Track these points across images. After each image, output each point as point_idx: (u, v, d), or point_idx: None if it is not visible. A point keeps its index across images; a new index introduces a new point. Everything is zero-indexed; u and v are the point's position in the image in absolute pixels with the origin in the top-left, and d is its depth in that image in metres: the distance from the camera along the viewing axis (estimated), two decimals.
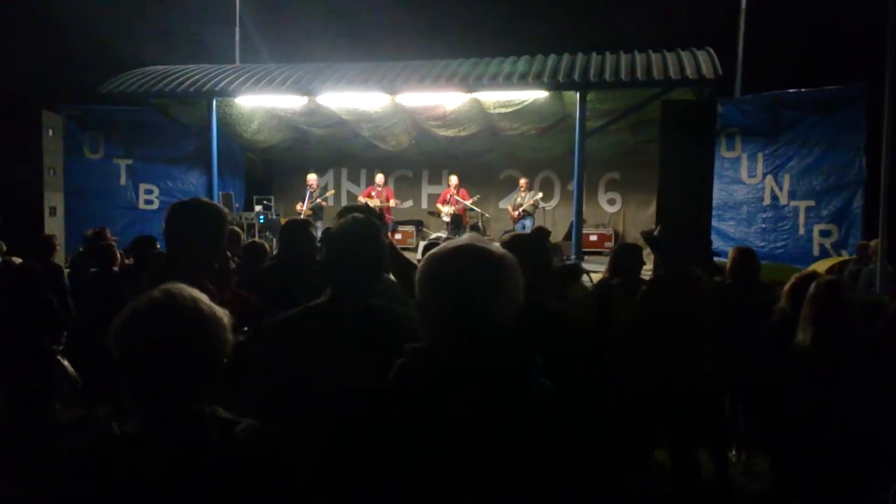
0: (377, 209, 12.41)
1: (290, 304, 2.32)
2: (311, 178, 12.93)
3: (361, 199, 12.80)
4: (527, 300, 1.41)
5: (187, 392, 1.49)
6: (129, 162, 13.39)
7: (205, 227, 2.61)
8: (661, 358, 3.92)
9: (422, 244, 10.23)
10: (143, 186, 13.44)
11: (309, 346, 2.14)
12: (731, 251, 5.52)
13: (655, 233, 4.64)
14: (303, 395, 2.12)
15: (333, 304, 2.22)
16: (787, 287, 3.90)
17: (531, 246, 2.48)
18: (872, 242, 8.19)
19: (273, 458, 1.52)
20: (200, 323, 1.50)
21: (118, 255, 6.22)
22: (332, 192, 13.45)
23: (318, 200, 12.49)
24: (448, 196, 12.66)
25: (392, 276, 3.25)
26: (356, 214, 2.43)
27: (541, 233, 7.62)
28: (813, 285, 3.61)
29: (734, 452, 5.25)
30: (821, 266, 10.10)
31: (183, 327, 1.47)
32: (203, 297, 1.55)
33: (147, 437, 1.45)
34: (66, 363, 5.02)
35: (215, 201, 2.91)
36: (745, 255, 5.24)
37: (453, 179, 12.80)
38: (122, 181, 13.38)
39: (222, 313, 1.56)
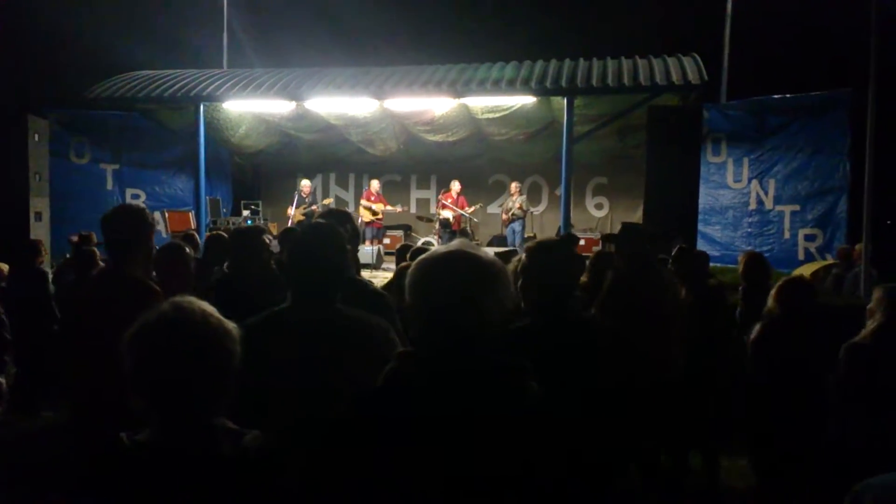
0: (376, 215, 12.63)
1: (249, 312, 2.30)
2: (305, 183, 13.01)
3: (364, 203, 12.87)
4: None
5: (197, 404, 1.50)
6: (116, 167, 13.31)
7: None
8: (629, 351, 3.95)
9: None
10: (129, 191, 13.36)
11: (273, 351, 2.13)
12: (741, 256, 5.60)
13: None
14: (268, 400, 2.12)
15: (295, 309, 2.21)
16: (774, 290, 3.93)
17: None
18: (857, 246, 8.27)
19: (279, 468, 1.53)
20: (210, 335, 1.51)
21: (98, 260, 6.17)
22: (331, 200, 13.46)
23: (313, 207, 12.52)
24: (447, 201, 12.74)
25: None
26: (318, 219, 2.44)
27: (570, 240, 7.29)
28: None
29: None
30: (805, 270, 10.18)
31: (193, 340, 1.48)
32: (213, 311, 1.56)
33: (158, 447, 1.46)
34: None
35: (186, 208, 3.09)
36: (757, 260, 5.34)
37: (455, 185, 12.90)
38: (109, 186, 13.30)
39: (231, 326, 1.57)
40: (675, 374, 4.07)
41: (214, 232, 7.19)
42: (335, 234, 2.35)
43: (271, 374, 2.12)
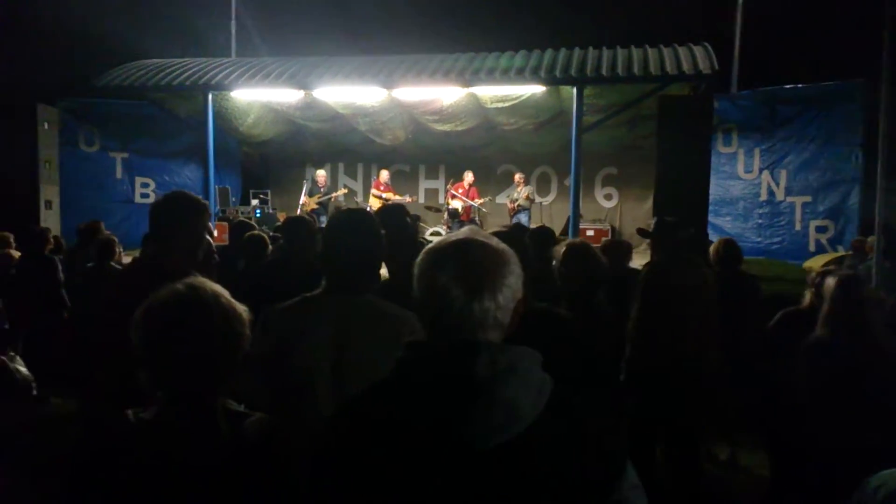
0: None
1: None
2: (321, 173, 13.09)
3: (374, 193, 12.90)
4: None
5: (202, 383, 1.51)
6: (125, 155, 13.35)
7: (188, 219, 2.72)
8: (662, 343, 3.96)
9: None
10: (139, 180, 13.41)
11: (301, 336, 2.15)
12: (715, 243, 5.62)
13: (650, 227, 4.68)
14: (297, 384, 2.13)
15: (328, 295, 2.22)
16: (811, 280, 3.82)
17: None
18: (869, 238, 8.21)
19: (280, 452, 1.54)
20: (219, 316, 1.52)
21: (116, 248, 6.20)
22: (345, 190, 13.47)
23: (331, 196, 12.55)
24: (458, 191, 12.73)
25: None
26: (351, 207, 2.45)
27: (519, 230, 7.37)
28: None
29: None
30: (817, 262, 10.12)
31: (202, 318, 1.50)
32: (224, 293, 1.57)
33: (162, 425, 1.48)
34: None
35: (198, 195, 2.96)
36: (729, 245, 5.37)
37: (469, 176, 12.89)
38: (119, 175, 13.35)
39: (242, 309, 1.58)
40: (708, 366, 4.05)
41: (239, 220, 7.22)
42: (370, 222, 2.34)
43: (293, 357, 2.12)
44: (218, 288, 1.57)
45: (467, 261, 1.35)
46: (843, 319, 3.26)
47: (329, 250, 2.27)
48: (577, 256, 3.51)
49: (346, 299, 2.20)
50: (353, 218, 2.41)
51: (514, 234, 2.81)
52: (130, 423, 1.47)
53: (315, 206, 12.31)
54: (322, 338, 2.12)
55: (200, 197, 2.89)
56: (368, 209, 12.99)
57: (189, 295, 1.52)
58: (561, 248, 3.68)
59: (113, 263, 5.99)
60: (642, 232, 4.88)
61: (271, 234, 6.44)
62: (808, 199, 11.14)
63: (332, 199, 12.76)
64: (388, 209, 3.18)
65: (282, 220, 11.74)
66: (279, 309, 2.23)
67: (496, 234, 2.56)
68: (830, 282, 3.39)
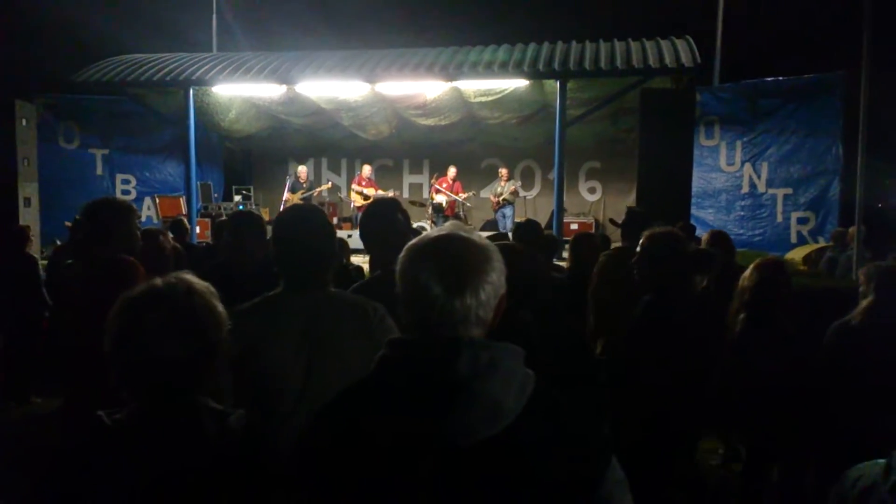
0: (367, 200, 12.58)
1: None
2: (301, 169, 13.07)
3: (355, 188, 12.85)
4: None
5: (181, 382, 1.48)
6: (106, 152, 13.22)
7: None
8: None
9: None
10: (119, 176, 13.29)
11: (265, 336, 2.13)
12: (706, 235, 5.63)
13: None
14: (261, 385, 2.11)
15: (288, 293, 2.20)
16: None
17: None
18: (850, 229, 8.29)
19: (264, 448, 1.52)
20: (196, 314, 1.49)
21: None
22: (329, 185, 13.41)
23: (313, 192, 12.49)
24: (442, 185, 12.71)
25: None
26: (298, 202, 2.43)
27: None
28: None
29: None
30: (798, 253, 10.22)
31: (173, 316, 1.47)
32: (202, 289, 1.54)
33: (138, 427, 1.44)
34: None
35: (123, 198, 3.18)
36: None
37: (451, 171, 12.87)
38: (99, 171, 13.22)
39: (219, 307, 1.55)
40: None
41: (223, 218, 7.17)
42: (321, 216, 2.32)
43: (263, 358, 2.10)
44: (195, 284, 1.54)
45: (448, 257, 1.34)
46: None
47: (282, 249, 2.24)
48: None
49: (309, 296, 2.18)
50: (301, 214, 2.37)
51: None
52: (105, 427, 1.44)
53: (298, 202, 12.25)
54: (291, 337, 2.11)
55: (125, 199, 3.20)
56: (352, 205, 13.00)
57: (160, 291, 1.49)
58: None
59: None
60: (613, 222, 4.91)
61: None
62: (790, 191, 11.23)
63: (316, 194, 12.71)
64: (379, 203, 3.12)
65: (266, 216, 11.72)
66: (241, 311, 2.20)
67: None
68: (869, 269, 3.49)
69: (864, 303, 3.42)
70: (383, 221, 2.81)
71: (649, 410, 3.17)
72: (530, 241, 4.40)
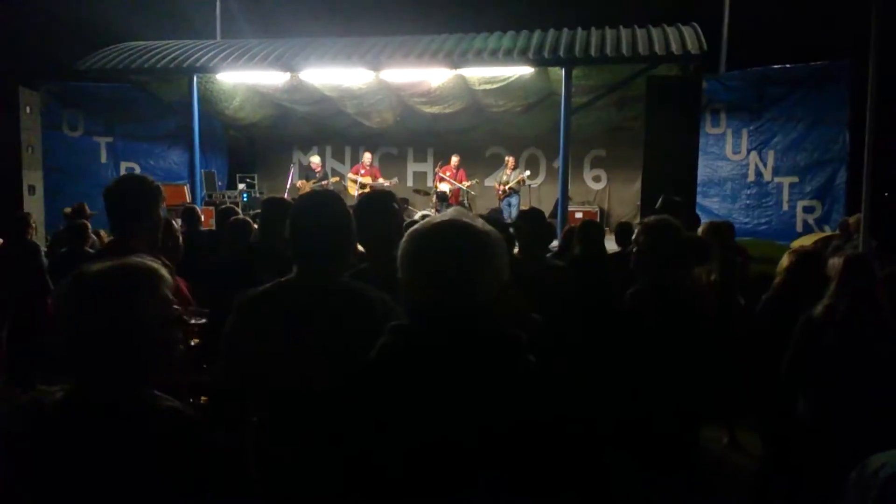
0: (364, 188, 12.55)
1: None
2: (315, 160, 13.04)
3: (350, 177, 12.81)
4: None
5: (112, 365, 1.46)
6: (110, 139, 13.20)
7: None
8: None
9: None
10: (124, 164, 13.26)
11: (273, 321, 2.12)
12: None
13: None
14: (271, 371, 2.11)
15: (300, 279, 2.19)
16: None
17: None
18: (852, 218, 8.24)
19: (195, 438, 1.49)
20: (138, 301, 1.47)
21: (90, 233, 6.12)
22: (336, 179, 13.37)
23: (323, 182, 12.48)
24: (446, 174, 12.67)
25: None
26: (315, 188, 2.40)
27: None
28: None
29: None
30: (804, 242, 10.17)
31: (112, 298, 1.45)
32: (158, 276, 1.52)
33: (74, 406, 1.44)
34: None
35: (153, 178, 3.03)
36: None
37: (454, 159, 12.82)
38: (103, 159, 13.20)
39: (169, 305, 1.53)
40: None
41: (225, 206, 7.18)
42: (340, 205, 2.30)
43: (270, 343, 2.10)
44: (156, 270, 1.53)
45: (450, 244, 1.33)
46: (849, 297, 3.26)
47: (298, 235, 2.21)
48: None
49: (320, 285, 2.16)
50: (319, 200, 2.34)
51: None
52: (43, 406, 1.44)
53: (317, 189, 12.24)
54: (298, 325, 2.09)
55: (154, 180, 2.96)
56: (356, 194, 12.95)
57: (115, 271, 1.48)
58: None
59: (88, 248, 5.91)
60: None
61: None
62: (796, 179, 11.16)
63: (325, 185, 12.67)
64: (372, 196, 3.11)
65: None
66: (253, 294, 2.19)
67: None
68: (836, 261, 3.42)
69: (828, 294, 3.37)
70: (377, 216, 2.79)
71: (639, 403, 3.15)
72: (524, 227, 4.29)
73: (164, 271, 1.55)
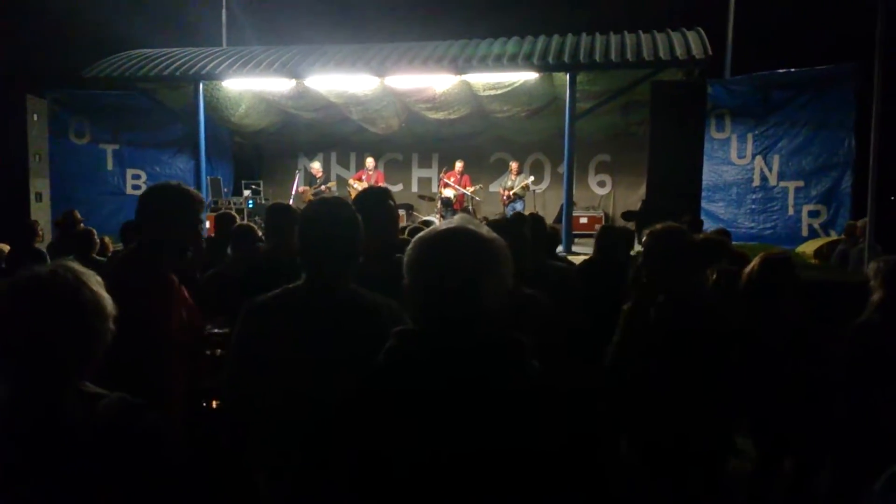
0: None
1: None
2: (316, 166, 13.06)
3: (352, 183, 12.83)
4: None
5: (51, 366, 1.48)
6: (116, 147, 13.26)
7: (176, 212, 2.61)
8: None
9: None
10: (130, 171, 13.32)
11: (280, 327, 2.13)
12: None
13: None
14: (279, 377, 2.11)
15: (309, 287, 2.19)
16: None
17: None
18: (859, 222, 8.22)
19: (144, 431, 1.50)
20: (75, 306, 1.49)
21: (96, 239, 6.07)
22: (333, 183, 13.39)
23: (322, 188, 12.51)
24: (450, 179, 12.67)
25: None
26: (326, 196, 2.40)
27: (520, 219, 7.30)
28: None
29: None
30: (809, 247, 10.15)
31: (56, 306, 1.48)
32: (90, 282, 1.54)
33: (6, 403, 1.47)
34: None
35: (191, 187, 2.81)
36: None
37: (459, 164, 12.83)
38: (109, 166, 13.26)
39: (106, 302, 1.55)
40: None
41: (223, 212, 7.18)
42: (348, 211, 2.30)
43: (277, 348, 2.11)
44: (88, 277, 1.55)
45: (457, 251, 1.34)
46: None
47: (308, 244, 2.22)
48: None
49: (328, 292, 2.17)
50: (330, 209, 2.32)
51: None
52: None
53: (311, 198, 12.27)
54: (306, 332, 2.10)
55: (194, 189, 2.78)
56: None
57: (45, 278, 1.50)
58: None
59: (95, 256, 5.88)
60: (627, 214, 4.84)
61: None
62: (801, 183, 11.13)
63: (325, 190, 12.68)
64: (368, 193, 3.10)
65: None
66: (261, 301, 2.20)
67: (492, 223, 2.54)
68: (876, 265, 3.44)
69: (874, 298, 3.38)
70: (373, 213, 2.77)
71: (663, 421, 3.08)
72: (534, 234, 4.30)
73: (89, 274, 1.57)
